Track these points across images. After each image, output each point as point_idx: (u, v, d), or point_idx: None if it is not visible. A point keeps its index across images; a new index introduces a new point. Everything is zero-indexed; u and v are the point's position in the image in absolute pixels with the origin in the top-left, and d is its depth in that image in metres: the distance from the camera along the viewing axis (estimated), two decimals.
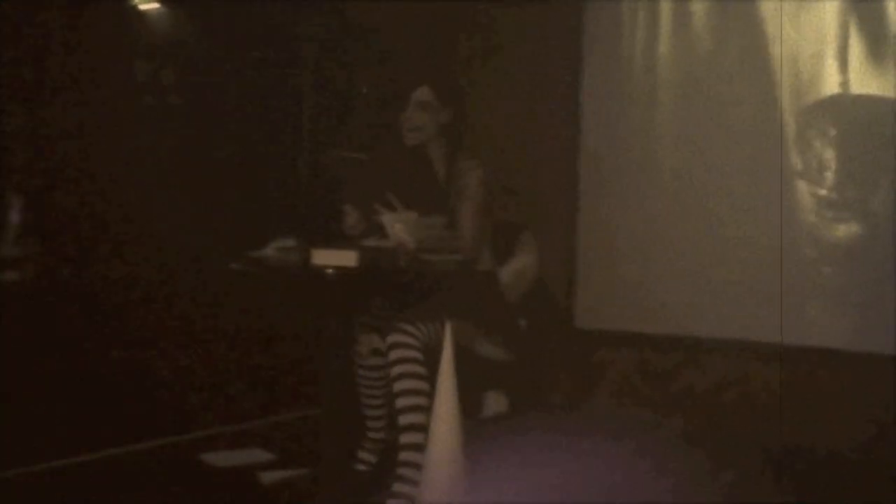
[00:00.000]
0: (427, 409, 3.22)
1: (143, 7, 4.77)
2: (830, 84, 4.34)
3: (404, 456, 3.30)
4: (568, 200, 5.03)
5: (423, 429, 3.24)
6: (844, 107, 4.31)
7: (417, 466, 3.25)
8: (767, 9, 4.48)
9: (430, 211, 3.49)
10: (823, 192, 4.33)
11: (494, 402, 4.29)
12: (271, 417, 4.63)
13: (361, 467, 3.80)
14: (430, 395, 3.24)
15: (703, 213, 4.65)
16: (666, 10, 4.79)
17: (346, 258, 3.18)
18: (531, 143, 5.05)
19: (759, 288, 4.46)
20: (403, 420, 3.30)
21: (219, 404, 4.52)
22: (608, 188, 4.94)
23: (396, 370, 3.29)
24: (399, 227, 3.36)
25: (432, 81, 3.70)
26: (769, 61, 4.47)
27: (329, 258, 3.20)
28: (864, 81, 4.24)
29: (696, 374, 4.63)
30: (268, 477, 3.73)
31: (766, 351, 4.43)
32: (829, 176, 4.32)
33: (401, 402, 3.30)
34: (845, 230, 4.27)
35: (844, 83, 4.29)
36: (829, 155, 4.32)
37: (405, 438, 3.30)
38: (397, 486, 3.29)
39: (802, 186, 4.37)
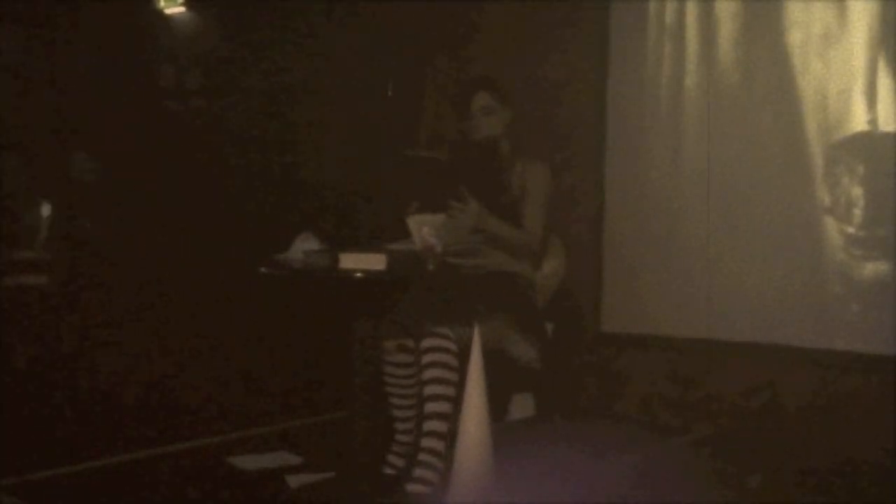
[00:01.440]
0: (454, 400, 3.24)
1: (168, 11, 4.79)
2: (858, 121, 4.29)
3: (427, 442, 3.31)
4: (594, 204, 5.02)
5: (448, 417, 3.25)
6: (873, 144, 4.26)
7: (440, 454, 3.27)
8: (794, 42, 4.46)
9: (494, 208, 3.53)
10: (852, 229, 4.31)
11: (521, 406, 4.28)
12: (299, 420, 4.63)
13: (389, 471, 3.79)
14: (458, 397, 3.24)
15: (729, 217, 4.62)
16: (692, 39, 4.78)
17: (375, 261, 3.18)
18: (557, 146, 5.03)
19: (788, 291, 4.43)
20: (429, 408, 3.32)
21: (246, 407, 4.53)
22: (634, 191, 4.92)
23: (429, 374, 3.31)
24: (427, 230, 3.36)
25: (490, 85, 3.85)
26: (796, 96, 4.45)
27: (357, 262, 3.20)
28: (893, 119, 4.20)
29: (723, 379, 4.60)
30: (294, 480, 3.73)
31: (794, 355, 4.40)
32: (858, 213, 4.29)
33: (429, 390, 3.35)
34: (874, 268, 4.25)
35: (873, 121, 4.25)
36: (858, 192, 4.29)
37: (428, 426, 3.32)
38: (418, 472, 3.30)
39: (831, 223, 4.35)
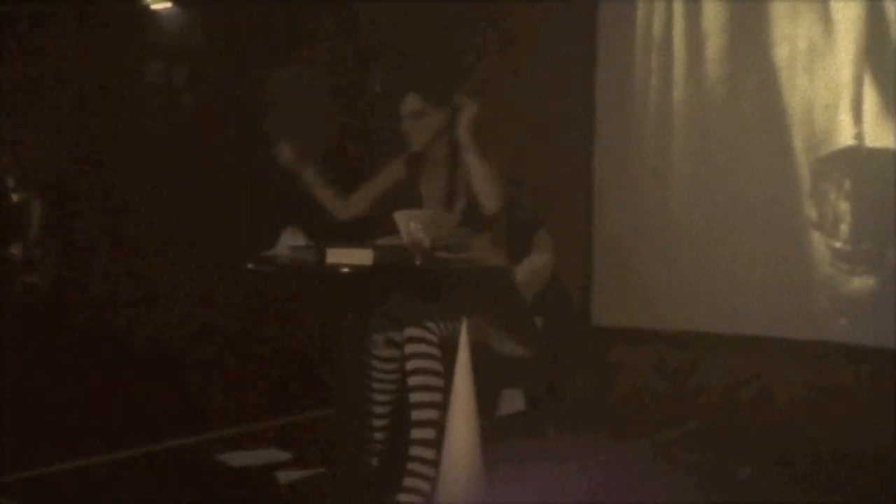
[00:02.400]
0: (441, 406, 3.21)
1: (154, 7, 4.77)
2: (845, 136, 4.31)
3: (417, 451, 3.28)
4: (583, 198, 5.01)
5: (437, 425, 3.22)
6: (859, 159, 4.28)
7: (429, 462, 3.24)
8: (781, 57, 4.46)
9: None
10: (839, 244, 4.31)
11: (511, 401, 4.27)
12: (288, 417, 4.62)
13: (368, 472, 3.76)
14: (446, 392, 3.23)
15: (718, 210, 4.62)
16: (679, 52, 4.78)
17: (362, 257, 3.18)
18: (546, 141, 5.03)
19: (776, 283, 4.44)
20: (417, 415, 3.28)
21: (235, 404, 4.52)
22: (623, 186, 4.92)
23: (412, 364, 3.28)
24: (414, 225, 3.34)
25: (419, 88, 3.70)
26: (783, 110, 4.46)
27: (344, 257, 3.19)
28: (879, 135, 4.21)
29: (713, 371, 4.61)
30: (284, 477, 3.73)
31: (783, 347, 4.41)
32: (845, 228, 4.30)
33: (415, 397, 3.29)
34: (860, 283, 4.25)
35: (859, 135, 4.27)
36: (845, 207, 4.30)
37: (418, 434, 3.28)
38: (408, 481, 3.27)
39: (818, 238, 4.37)
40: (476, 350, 3.23)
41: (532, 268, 3.88)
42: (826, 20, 4.34)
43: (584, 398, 4.93)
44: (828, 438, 4.12)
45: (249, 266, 3.43)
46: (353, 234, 3.54)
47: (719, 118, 4.65)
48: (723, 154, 4.63)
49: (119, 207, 4.57)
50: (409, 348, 3.31)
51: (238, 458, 3.96)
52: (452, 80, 4.30)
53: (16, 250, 4.31)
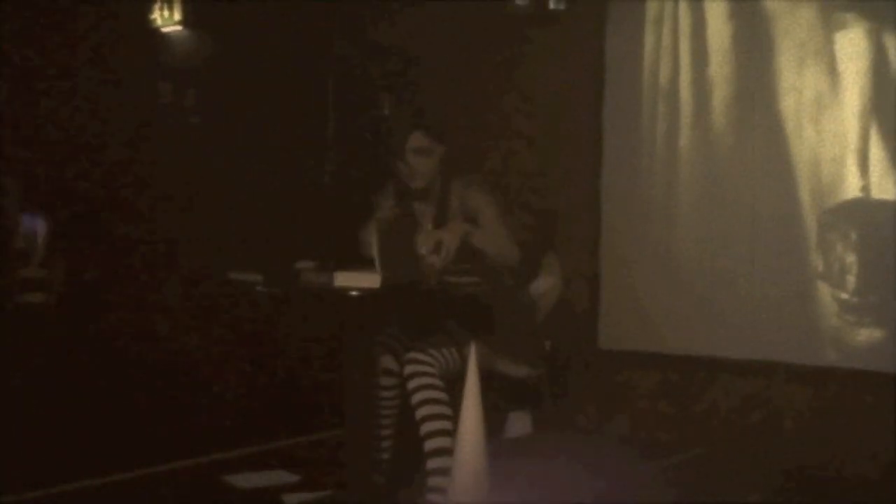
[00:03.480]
0: (451, 433, 3.22)
1: (165, 29, 4.80)
2: (852, 188, 4.31)
3: (433, 482, 3.30)
4: (591, 222, 5.02)
5: (449, 452, 3.23)
6: (866, 211, 4.28)
7: (443, 491, 3.25)
8: (788, 108, 4.48)
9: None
10: (845, 295, 4.32)
11: (518, 423, 4.27)
12: (295, 439, 4.62)
13: (374, 491, 3.77)
14: (454, 418, 3.23)
15: (725, 235, 4.63)
16: (686, 101, 4.79)
17: (370, 280, 3.19)
18: (554, 165, 5.04)
19: (782, 308, 4.44)
20: (429, 445, 3.31)
21: (242, 426, 4.52)
22: (631, 210, 4.92)
23: (417, 397, 3.31)
24: (426, 248, 3.37)
25: (424, 124, 3.70)
26: (789, 161, 4.47)
27: (353, 280, 3.21)
28: (885, 187, 4.22)
29: (719, 395, 4.60)
30: (291, 499, 3.72)
31: (789, 372, 4.40)
32: (851, 280, 4.30)
33: (425, 428, 3.32)
34: (867, 335, 4.25)
35: (866, 188, 4.27)
36: (851, 259, 4.31)
37: (432, 464, 3.30)
38: (431, 497, 3.28)
39: (824, 289, 4.37)
40: (485, 372, 3.24)
41: (540, 291, 3.89)
42: (832, 73, 4.35)
43: (590, 421, 4.93)
44: (834, 462, 4.12)
45: (258, 287, 3.45)
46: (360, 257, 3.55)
47: (726, 167, 4.65)
48: (729, 202, 4.62)
49: (128, 227, 4.57)
50: (412, 383, 3.34)
51: (245, 480, 3.96)
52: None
53: (22, 269, 4.32)
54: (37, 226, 4.30)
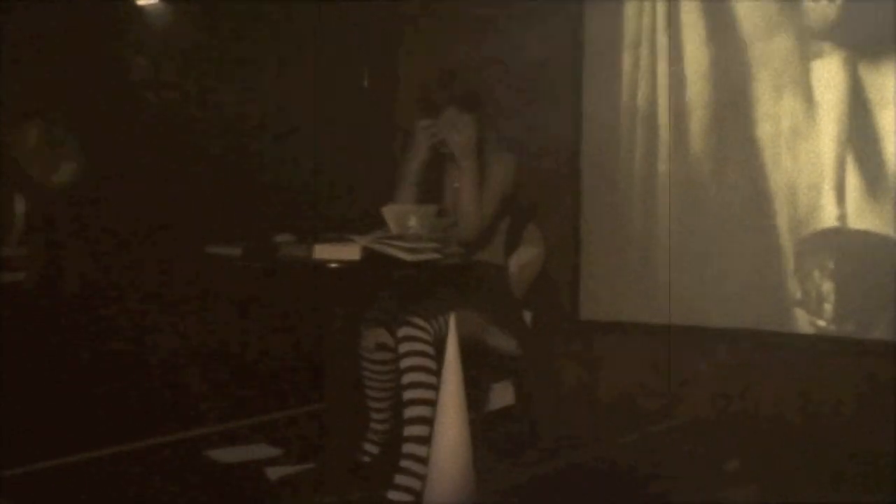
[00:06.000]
0: (434, 403, 3.22)
1: (141, 3, 4.75)
2: (828, 216, 4.32)
3: (408, 448, 3.30)
4: (571, 192, 5.02)
5: (429, 422, 3.24)
6: (843, 240, 4.30)
7: (421, 459, 3.25)
8: (765, 135, 4.48)
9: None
10: (822, 323, 4.34)
11: (501, 395, 4.28)
12: (276, 413, 4.62)
13: (366, 458, 3.81)
14: (438, 389, 3.23)
15: (706, 203, 4.64)
16: (664, 126, 4.78)
17: (349, 252, 3.18)
18: (533, 135, 5.02)
19: (765, 276, 4.45)
20: (409, 412, 3.31)
21: (224, 400, 4.51)
22: (611, 179, 4.92)
23: (406, 362, 3.31)
24: (414, 221, 3.36)
25: (457, 89, 3.72)
26: (766, 188, 4.47)
27: (332, 252, 3.20)
28: (862, 216, 4.23)
29: (702, 364, 4.62)
30: (273, 472, 3.73)
31: (772, 340, 4.42)
32: (829, 308, 4.32)
33: (408, 394, 3.31)
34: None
35: (842, 216, 4.28)
36: (828, 287, 4.32)
37: (410, 431, 3.30)
38: (400, 479, 3.29)
39: (802, 316, 4.38)
40: (466, 345, 3.24)
41: (522, 261, 3.89)
42: (809, 101, 4.35)
43: (572, 392, 4.94)
44: (816, 431, 4.15)
45: (238, 261, 3.44)
46: (339, 228, 3.54)
47: (704, 192, 4.65)
48: (707, 227, 4.64)
49: (108, 203, 4.54)
50: (403, 347, 3.33)
51: (227, 454, 3.96)
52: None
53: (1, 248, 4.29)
54: (14, 202, 4.27)
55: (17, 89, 4.18)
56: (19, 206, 4.30)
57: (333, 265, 3.17)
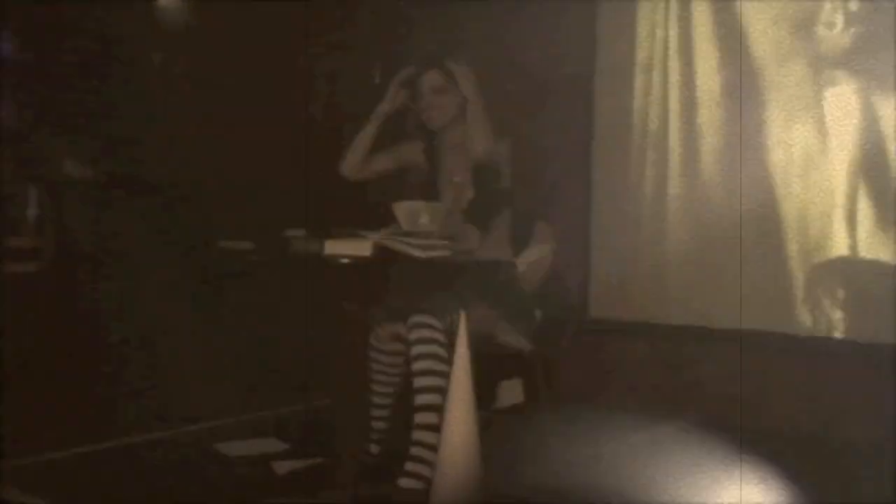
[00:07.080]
0: (444, 392, 3.21)
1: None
2: (839, 244, 4.32)
3: (418, 435, 3.29)
4: (581, 190, 5.01)
5: (439, 410, 3.22)
6: (853, 269, 4.30)
7: (432, 447, 3.25)
8: (777, 162, 4.47)
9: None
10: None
11: (509, 393, 4.28)
12: (285, 407, 4.62)
13: (367, 459, 3.79)
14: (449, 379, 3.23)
15: (717, 203, 4.63)
16: (675, 149, 4.80)
17: (360, 248, 3.18)
18: (544, 135, 5.02)
19: (774, 278, 4.44)
20: (420, 399, 3.29)
21: (233, 394, 4.52)
22: (621, 178, 4.92)
23: (418, 349, 3.30)
24: (425, 218, 3.36)
25: (441, 64, 3.73)
26: (777, 215, 4.48)
27: (342, 248, 3.20)
28: (873, 245, 4.23)
29: (710, 365, 4.61)
30: (281, 466, 3.73)
31: (781, 342, 4.41)
32: (839, 337, 4.33)
33: (419, 382, 3.30)
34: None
35: (853, 246, 4.28)
36: (838, 316, 4.32)
37: (420, 418, 3.29)
38: (410, 466, 3.28)
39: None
40: (476, 341, 3.23)
41: (532, 259, 3.88)
42: (821, 129, 4.36)
43: (581, 390, 4.93)
44: (826, 432, 4.14)
45: (252, 256, 3.45)
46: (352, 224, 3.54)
47: (714, 217, 4.65)
48: (717, 253, 4.64)
49: (119, 196, 4.55)
50: (415, 334, 3.32)
51: (235, 448, 3.97)
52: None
53: (13, 239, 4.30)
54: (27, 193, 4.28)
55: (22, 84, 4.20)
56: (31, 197, 4.31)
57: (344, 261, 3.17)
